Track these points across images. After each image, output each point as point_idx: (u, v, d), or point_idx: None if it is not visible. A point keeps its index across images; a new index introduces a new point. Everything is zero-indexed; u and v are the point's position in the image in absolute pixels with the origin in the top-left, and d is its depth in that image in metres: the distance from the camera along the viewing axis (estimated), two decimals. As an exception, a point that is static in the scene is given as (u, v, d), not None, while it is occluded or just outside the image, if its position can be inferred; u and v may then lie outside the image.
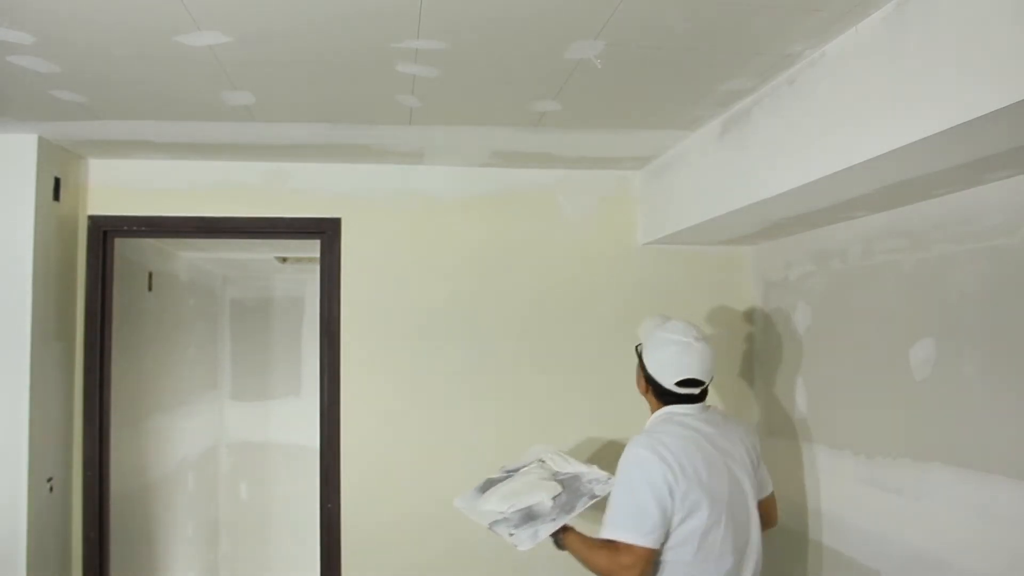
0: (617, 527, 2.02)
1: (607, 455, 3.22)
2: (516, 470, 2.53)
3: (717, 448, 2.14)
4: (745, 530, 2.14)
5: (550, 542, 2.23)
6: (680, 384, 2.19)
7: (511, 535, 2.21)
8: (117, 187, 3.07)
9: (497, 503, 2.32)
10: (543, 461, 2.54)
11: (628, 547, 1.99)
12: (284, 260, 5.17)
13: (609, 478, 2.31)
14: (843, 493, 2.62)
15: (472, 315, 3.19)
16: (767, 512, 2.30)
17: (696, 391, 2.22)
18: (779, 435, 3.07)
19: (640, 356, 2.30)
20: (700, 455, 2.09)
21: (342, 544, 3.08)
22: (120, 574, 3.42)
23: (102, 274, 3.06)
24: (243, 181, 3.13)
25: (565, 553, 2.21)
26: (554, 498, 2.29)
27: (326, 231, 3.16)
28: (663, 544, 2.03)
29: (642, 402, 2.45)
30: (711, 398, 2.85)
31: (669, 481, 2.02)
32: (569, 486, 2.34)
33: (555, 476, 2.43)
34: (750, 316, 3.31)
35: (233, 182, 3.13)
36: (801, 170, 2.02)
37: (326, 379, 3.13)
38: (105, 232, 3.07)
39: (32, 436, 2.67)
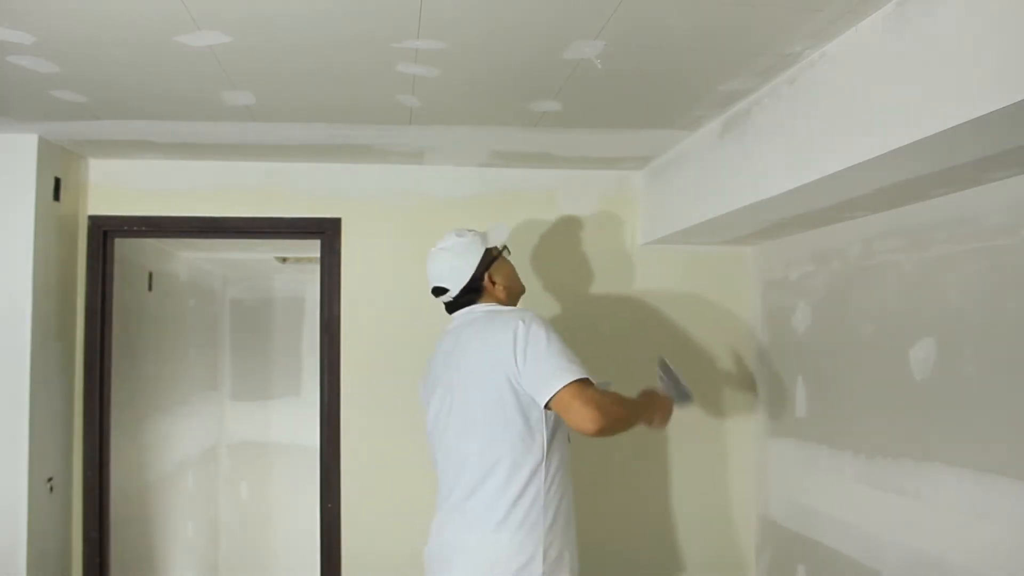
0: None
1: (614, 450, 3.22)
2: None
3: (446, 356, 2.22)
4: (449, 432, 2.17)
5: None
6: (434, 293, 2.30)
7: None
8: (117, 187, 3.07)
9: None
10: None
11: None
12: (284, 260, 5.17)
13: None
14: (843, 493, 2.62)
15: (472, 315, 3.19)
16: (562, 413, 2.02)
17: (443, 299, 2.29)
18: (779, 435, 3.07)
19: None
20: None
21: (342, 544, 3.08)
22: (120, 574, 3.42)
23: (102, 274, 3.06)
24: (243, 181, 3.13)
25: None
26: None
27: (326, 231, 3.16)
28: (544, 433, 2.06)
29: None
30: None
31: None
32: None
33: None
34: (750, 316, 3.31)
35: (233, 182, 3.13)
36: (801, 170, 2.02)
37: (326, 379, 3.13)
38: (105, 232, 3.07)
39: (32, 436, 2.67)
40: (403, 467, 3.12)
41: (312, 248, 3.53)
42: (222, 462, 5.91)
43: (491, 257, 2.26)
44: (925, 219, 2.25)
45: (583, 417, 1.90)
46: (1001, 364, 1.98)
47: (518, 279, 2.34)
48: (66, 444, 2.94)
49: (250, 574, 5.82)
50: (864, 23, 1.78)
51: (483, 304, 2.25)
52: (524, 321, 2.04)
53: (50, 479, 2.79)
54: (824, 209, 2.38)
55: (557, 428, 2.10)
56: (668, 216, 2.97)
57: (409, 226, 3.19)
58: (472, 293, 2.25)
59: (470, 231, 2.30)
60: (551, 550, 2.03)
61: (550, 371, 1.96)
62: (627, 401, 2.08)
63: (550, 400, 1.95)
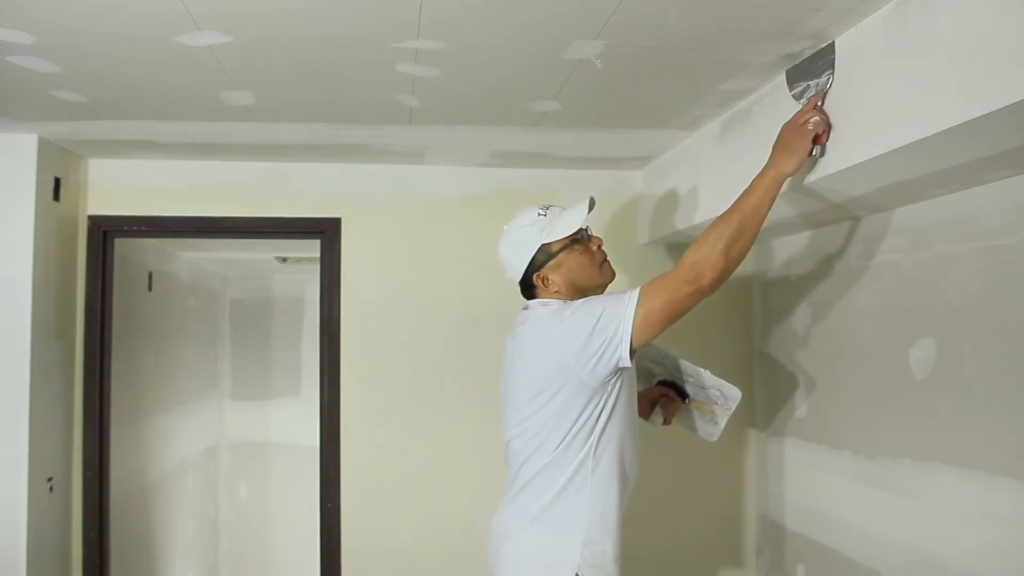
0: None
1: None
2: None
3: (508, 349, 2.10)
4: (506, 428, 2.09)
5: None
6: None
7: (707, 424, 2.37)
8: (117, 187, 3.07)
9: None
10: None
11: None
12: (284, 260, 5.18)
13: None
14: (843, 493, 2.62)
15: (472, 314, 3.19)
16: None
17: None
18: (779, 435, 3.07)
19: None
20: None
21: (342, 544, 3.08)
22: (120, 574, 3.42)
23: (102, 274, 3.06)
24: (243, 181, 3.13)
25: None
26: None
27: (326, 231, 3.16)
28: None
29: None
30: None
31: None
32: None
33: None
34: (750, 316, 3.31)
35: (233, 182, 3.13)
36: (800, 170, 2.02)
37: (326, 379, 3.13)
38: (105, 232, 3.07)
39: (32, 436, 2.67)
40: (403, 467, 3.13)
41: (312, 248, 3.53)
42: (222, 462, 5.91)
43: (548, 254, 2.02)
44: (925, 219, 2.25)
45: (689, 293, 1.80)
46: (1001, 364, 1.98)
47: (589, 270, 2.04)
48: (66, 444, 2.94)
49: (250, 574, 5.82)
50: (864, 23, 1.78)
51: (538, 300, 2.06)
52: (565, 307, 1.94)
53: (50, 479, 2.79)
54: (825, 209, 2.38)
55: (610, 423, 1.96)
56: (668, 216, 2.97)
57: (409, 226, 3.20)
58: (529, 289, 2.08)
59: (540, 216, 2.04)
60: (590, 547, 1.93)
61: (608, 324, 1.81)
62: (725, 218, 1.86)
63: (633, 340, 1.81)
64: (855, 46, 1.82)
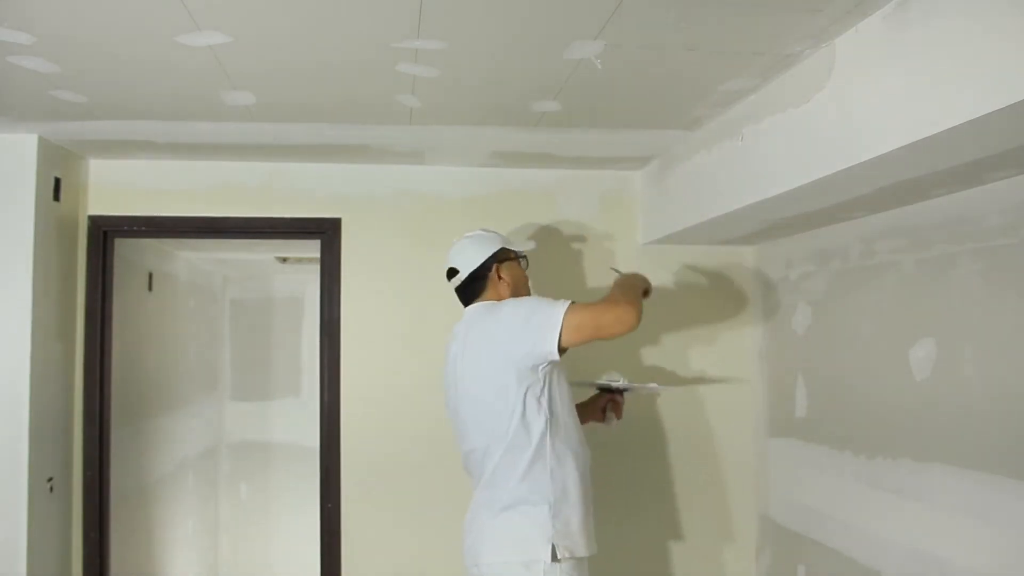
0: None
1: (613, 451, 3.22)
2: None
3: (457, 357, 2.32)
4: (462, 434, 2.31)
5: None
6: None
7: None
8: (117, 187, 3.07)
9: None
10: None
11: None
12: (284, 260, 5.17)
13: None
14: (843, 493, 2.62)
15: (472, 315, 3.18)
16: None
17: (453, 283, 2.40)
18: (779, 435, 3.07)
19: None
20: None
21: (342, 544, 3.08)
22: (120, 574, 3.42)
23: (102, 274, 3.06)
24: (243, 181, 3.13)
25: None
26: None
27: (326, 231, 3.16)
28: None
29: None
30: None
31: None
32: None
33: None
34: (750, 316, 3.31)
35: (233, 182, 3.13)
36: (801, 170, 2.02)
37: (326, 379, 3.13)
38: (105, 232, 3.07)
39: (32, 436, 2.67)
40: (403, 467, 3.13)
41: (312, 248, 3.53)
42: (222, 462, 5.91)
43: (505, 255, 2.38)
44: (925, 219, 2.25)
45: (616, 319, 2.09)
46: (1001, 364, 1.98)
47: (526, 286, 2.43)
48: (66, 444, 2.94)
49: (250, 574, 5.82)
50: (864, 23, 1.78)
51: (485, 300, 2.34)
52: (502, 303, 2.24)
53: (50, 479, 2.79)
54: (824, 209, 2.38)
55: (557, 403, 2.20)
56: (668, 216, 2.97)
57: (409, 226, 3.20)
58: (478, 281, 2.34)
59: (496, 233, 2.44)
60: (559, 518, 2.12)
61: (542, 319, 2.09)
62: (620, 287, 2.29)
63: (561, 337, 2.06)
64: (855, 47, 1.82)
